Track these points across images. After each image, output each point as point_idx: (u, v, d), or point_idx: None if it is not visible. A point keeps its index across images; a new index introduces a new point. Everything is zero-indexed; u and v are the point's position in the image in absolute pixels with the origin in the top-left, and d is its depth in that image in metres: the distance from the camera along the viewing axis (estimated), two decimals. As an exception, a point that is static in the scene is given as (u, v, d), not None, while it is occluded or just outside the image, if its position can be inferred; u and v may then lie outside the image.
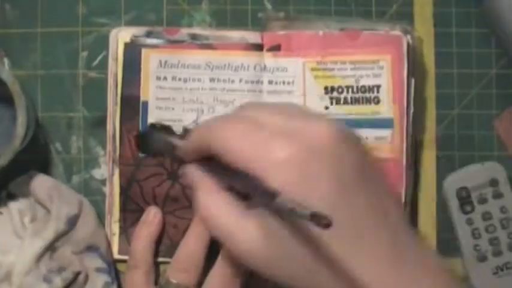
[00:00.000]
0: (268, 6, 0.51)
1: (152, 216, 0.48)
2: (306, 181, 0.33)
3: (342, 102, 0.49)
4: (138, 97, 0.48)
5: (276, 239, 0.34)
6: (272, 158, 0.33)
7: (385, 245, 0.34)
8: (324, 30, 0.49)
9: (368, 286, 0.33)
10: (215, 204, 0.37)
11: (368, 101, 0.49)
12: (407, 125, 0.48)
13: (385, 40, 0.48)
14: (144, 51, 0.48)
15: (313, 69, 0.49)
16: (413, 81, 0.49)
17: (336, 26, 0.49)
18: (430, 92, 0.51)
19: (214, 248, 0.47)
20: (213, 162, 0.38)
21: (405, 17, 0.51)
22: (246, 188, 0.36)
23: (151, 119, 0.48)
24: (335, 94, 0.49)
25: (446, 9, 0.51)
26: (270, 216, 0.34)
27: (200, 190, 0.38)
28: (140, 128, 0.48)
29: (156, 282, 0.48)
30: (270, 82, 0.49)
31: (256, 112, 0.36)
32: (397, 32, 0.48)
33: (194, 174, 0.39)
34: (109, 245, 0.49)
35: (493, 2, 0.49)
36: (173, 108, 0.48)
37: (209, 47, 0.48)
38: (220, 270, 0.45)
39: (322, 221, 0.29)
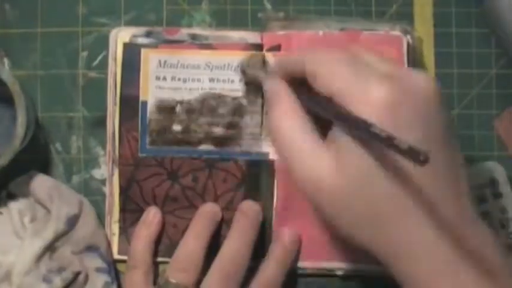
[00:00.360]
0: (268, 6, 0.51)
1: (152, 216, 0.48)
2: (398, 123, 0.33)
3: (342, 102, 0.49)
4: (138, 97, 0.48)
5: (351, 173, 0.34)
6: (369, 92, 0.33)
7: (452, 209, 0.34)
8: (324, 31, 0.49)
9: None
10: (291, 125, 0.37)
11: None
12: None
13: (385, 40, 0.48)
14: (143, 51, 0.48)
15: (313, 69, 0.49)
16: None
17: (336, 26, 0.49)
18: (430, 92, 0.51)
19: (213, 248, 0.47)
20: (300, 86, 0.37)
21: (405, 17, 0.51)
22: (331, 116, 0.35)
23: (151, 119, 0.48)
24: (335, 94, 0.49)
25: (446, 9, 0.51)
26: (349, 150, 0.34)
27: (277, 107, 0.38)
28: (140, 128, 0.48)
29: (155, 282, 0.48)
30: (270, 82, 0.49)
31: (362, 54, 0.37)
32: (397, 32, 0.48)
33: (275, 88, 0.39)
34: (109, 245, 0.49)
35: (493, 2, 0.49)
36: (173, 108, 0.48)
37: (209, 47, 0.48)
38: (218, 268, 0.45)
39: (419, 156, 0.29)
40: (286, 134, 0.37)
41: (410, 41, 0.48)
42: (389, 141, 0.31)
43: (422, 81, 0.34)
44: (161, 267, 0.49)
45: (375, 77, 0.34)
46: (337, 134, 0.35)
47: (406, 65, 0.48)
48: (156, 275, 0.48)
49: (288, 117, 0.37)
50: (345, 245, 0.48)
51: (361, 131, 0.33)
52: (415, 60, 0.49)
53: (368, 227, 0.35)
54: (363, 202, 0.34)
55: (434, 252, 0.34)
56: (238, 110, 0.48)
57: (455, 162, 0.35)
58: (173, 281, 0.45)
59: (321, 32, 0.49)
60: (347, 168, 0.34)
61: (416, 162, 0.29)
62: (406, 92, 0.34)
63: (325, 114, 0.36)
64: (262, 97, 0.48)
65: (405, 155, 0.30)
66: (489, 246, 0.35)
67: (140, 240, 0.48)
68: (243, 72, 0.48)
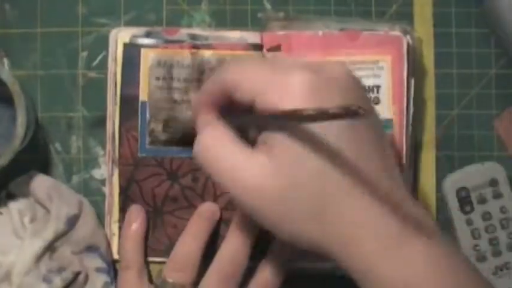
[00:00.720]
0: (268, 6, 0.51)
1: (135, 215, 0.48)
2: (321, 102, 0.34)
3: (342, 102, 0.49)
4: (138, 97, 0.48)
5: (286, 168, 0.34)
6: (290, 81, 0.34)
7: (382, 196, 0.34)
8: (323, 31, 0.49)
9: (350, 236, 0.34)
10: (218, 140, 0.37)
11: (368, 101, 0.49)
12: (407, 126, 0.48)
13: (385, 41, 0.48)
14: (143, 51, 0.48)
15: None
16: (413, 81, 0.49)
17: (336, 26, 0.49)
18: (430, 92, 0.51)
19: (211, 248, 0.47)
20: (224, 110, 0.38)
21: (405, 17, 0.51)
22: (257, 121, 0.36)
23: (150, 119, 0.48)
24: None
25: (446, 9, 0.51)
26: (279, 145, 0.34)
27: (204, 130, 0.38)
28: (139, 128, 0.48)
29: (151, 282, 0.48)
30: (270, 82, 0.49)
31: (272, 56, 0.40)
32: (397, 33, 0.48)
33: (201, 117, 0.39)
34: (109, 245, 0.49)
35: (493, 2, 0.49)
36: (172, 108, 0.48)
37: (209, 47, 0.48)
38: (217, 269, 0.45)
39: (356, 110, 0.31)
40: (214, 151, 0.37)
41: (410, 41, 0.48)
42: (323, 114, 0.32)
43: (339, 68, 0.36)
44: (158, 267, 0.49)
45: (293, 68, 0.35)
46: (264, 136, 0.36)
47: (406, 66, 0.48)
48: (149, 273, 0.49)
49: (214, 136, 0.37)
50: None
51: (292, 120, 0.34)
52: (414, 60, 0.49)
53: (314, 221, 0.35)
54: (303, 195, 0.34)
55: (378, 227, 0.34)
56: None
57: (377, 128, 0.37)
58: (170, 280, 0.45)
59: (320, 33, 0.49)
60: (280, 165, 0.34)
61: (356, 116, 0.31)
62: (325, 77, 0.35)
63: (254, 122, 0.37)
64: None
65: (342, 116, 0.32)
66: (424, 214, 0.36)
67: (128, 240, 0.48)
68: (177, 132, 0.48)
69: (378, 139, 0.36)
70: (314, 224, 0.35)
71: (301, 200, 0.35)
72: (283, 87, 0.34)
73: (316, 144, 0.34)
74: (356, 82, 0.37)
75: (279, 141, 0.35)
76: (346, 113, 0.31)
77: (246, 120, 0.38)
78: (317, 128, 0.34)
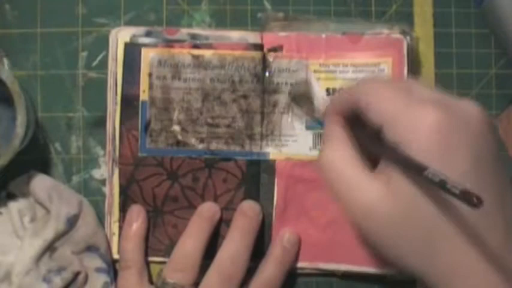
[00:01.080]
0: (268, 6, 0.51)
1: (135, 215, 0.48)
2: (447, 150, 0.33)
3: (341, 102, 0.49)
4: (138, 97, 0.48)
5: (402, 200, 0.34)
6: (420, 118, 0.33)
7: (501, 239, 0.34)
8: (325, 33, 0.49)
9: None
10: (341, 157, 0.37)
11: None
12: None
13: (386, 43, 0.48)
14: (144, 50, 0.48)
15: (315, 71, 0.49)
16: (412, 81, 0.49)
17: (335, 26, 0.49)
18: (430, 92, 0.51)
19: (211, 248, 0.47)
20: (353, 123, 0.38)
21: (405, 17, 0.51)
22: (381, 151, 0.36)
23: (150, 119, 0.48)
24: (335, 95, 0.49)
25: (445, 10, 0.51)
26: (399, 179, 0.34)
27: (328, 144, 0.38)
28: (140, 127, 0.48)
29: (151, 282, 0.48)
30: (271, 83, 0.49)
31: (409, 83, 0.37)
32: (397, 35, 0.48)
33: (329, 127, 0.39)
34: (109, 245, 0.49)
35: (493, 2, 0.49)
36: (173, 108, 0.48)
37: (209, 47, 0.48)
38: (217, 269, 0.45)
39: (473, 200, 0.29)
40: (335, 166, 0.37)
41: (409, 41, 0.48)
42: (441, 185, 0.31)
43: (473, 109, 0.35)
44: (159, 268, 0.49)
45: (425, 103, 0.34)
46: (387, 164, 0.36)
47: (406, 67, 0.48)
48: (150, 273, 0.49)
49: (337, 151, 0.37)
50: (344, 246, 0.48)
51: (414, 173, 0.33)
52: (414, 60, 0.49)
53: (418, 254, 0.34)
54: (412, 228, 0.34)
55: (477, 279, 0.34)
56: (238, 110, 0.48)
57: (502, 191, 0.35)
58: (170, 281, 0.45)
59: (323, 35, 0.49)
60: (397, 195, 0.34)
61: (470, 205, 0.29)
62: (457, 119, 0.34)
63: (377, 152, 0.37)
64: (263, 97, 0.49)
65: (458, 198, 0.30)
66: None
67: (128, 240, 0.48)
68: (296, 102, 0.49)
69: (500, 207, 0.34)
70: (420, 256, 0.35)
71: (411, 234, 0.34)
72: (413, 123, 0.34)
73: (433, 197, 0.33)
74: (488, 127, 0.35)
75: (398, 178, 0.34)
76: (463, 199, 0.30)
77: (371, 145, 0.37)
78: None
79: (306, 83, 0.49)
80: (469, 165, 0.33)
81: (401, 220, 0.34)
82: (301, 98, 0.49)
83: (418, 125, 0.33)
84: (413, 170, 0.33)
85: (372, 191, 0.35)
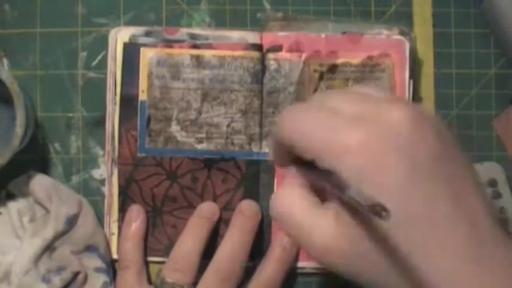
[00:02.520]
0: (267, 6, 0.51)
1: (135, 214, 0.48)
2: (378, 168, 0.31)
3: (341, 102, 0.49)
4: (137, 96, 0.48)
5: (350, 234, 0.33)
6: (345, 144, 0.32)
7: (465, 239, 0.31)
8: (325, 33, 0.49)
9: (440, 284, 0.31)
10: (289, 199, 0.36)
11: (367, 101, 0.49)
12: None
13: (387, 44, 0.48)
14: (143, 50, 0.48)
15: (315, 71, 0.49)
16: (411, 81, 0.49)
17: (334, 26, 0.49)
18: (429, 92, 0.51)
19: (210, 248, 0.47)
20: (293, 159, 0.37)
21: (404, 17, 0.51)
22: (320, 181, 0.35)
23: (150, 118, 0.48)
24: (334, 95, 0.49)
25: (445, 9, 0.51)
26: (342, 215, 0.33)
27: (279, 189, 0.38)
28: (139, 127, 0.48)
29: (150, 282, 0.48)
30: (271, 82, 0.49)
31: (328, 99, 0.35)
32: (399, 36, 0.48)
33: (277, 167, 0.39)
34: (108, 245, 0.49)
35: (492, 2, 0.49)
36: (172, 108, 0.48)
37: (209, 47, 0.48)
38: (215, 269, 0.45)
39: (380, 212, 0.28)
40: (285, 211, 0.36)
41: (408, 42, 0.48)
42: (357, 203, 0.29)
43: (402, 117, 0.32)
44: (158, 267, 0.49)
45: (347, 123, 0.32)
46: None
47: (407, 69, 0.48)
48: (149, 273, 0.49)
49: (285, 195, 0.37)
50: None
51: (341, 197, 0.32)
52: (413, 60, 0.49)
53: (384, 275, 0.33)
54: (367, 260, 0.33)
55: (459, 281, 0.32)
56: (237, 110, 0.48)
57: (460, 185, 0.32)
58: (169, 280, 0.45)
59: (323, 35, 0.49)
60: (344, 227, 0.33)
61: (379, 218, 0.28)
62: (379, 132, 0.32)
63: (316, 183, 0.36)
64: (262, 97, 0.49)
65: (370, 212, 0.28)
66: None
67: (128, 240, 0.48)
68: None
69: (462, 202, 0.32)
70: (387, 276, 0.33)
71: (369, 265, 0.33)
72: (338, 151, 0.32)
73: (374, 227, 0.32)
74: (424, 127, 0.32)
75: (341, 210, 0.33)
76: (372, 212, 0.28)
77: (315, 177, 0.36)
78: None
79: (306, 82, 0.49)
80: (403, 177, 0.31)
81: (355, 259, 0.33)
82: (301, 97, 0.49)
83: (345, 148, 0.32)
84: (339, 190, 0.31)
85: (323, 231, 0.34)
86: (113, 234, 0.49)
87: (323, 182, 0.34)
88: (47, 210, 0.46)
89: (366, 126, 0.32)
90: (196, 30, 0.49)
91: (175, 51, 0.48)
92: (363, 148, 0.31)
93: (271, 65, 0.49)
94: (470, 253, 0.31)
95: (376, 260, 0.33)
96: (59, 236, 0.45)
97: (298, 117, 0.34)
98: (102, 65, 0.49)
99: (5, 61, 0.50)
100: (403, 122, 0.32)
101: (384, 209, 0.28)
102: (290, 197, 0.36)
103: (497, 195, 0.50)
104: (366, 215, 0.31)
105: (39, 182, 0.47)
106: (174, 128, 0.48)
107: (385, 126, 0.32)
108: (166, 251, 0.48)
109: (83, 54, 0.50)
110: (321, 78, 0.49)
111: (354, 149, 0.31)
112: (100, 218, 0.49)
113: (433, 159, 0.32)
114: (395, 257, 0.32)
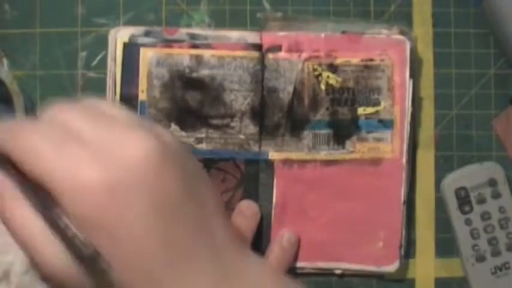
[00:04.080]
0: (267, 6, 0.51)
1: None
2: (116, 207, 0.29)
3: (342, 103, 0.49)
4: (137, 96, 0.48)
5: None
6: (80, 176, 0.29)
7: (209, 268, 0.31)
8: (325, 32, 0.49)
9: None
10: (21, 214, 0.31)
11: (368, 102, 0.49)
12: (406, 126, 0.49)
13: (388, 44, 0.48)
14: (142, 50, 0.48)
15: (314, 70, 0.49)
16: (411, 81, 0.49)
17: (334, 26, 0.50)
18: (429, 92, 0.51)
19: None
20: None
21: (404, 17, 0.51)
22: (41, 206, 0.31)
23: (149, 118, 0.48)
24: (336, 95, 0.49)
25: (445, 9, 0.51)
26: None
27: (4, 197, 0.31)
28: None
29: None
30: (270, 82, 0.49)
31: (67, 116, 0.31)
32: (400, 36, 0.48)
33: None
34: (107, 245, 0.48)
35: (492, 2, 0.49)
36: (171, 108, 0.48)
37: (208, 46, 0.48)
38: None
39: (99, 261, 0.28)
40: (19, 229, 0.31)
41: (411, 43, 0.48)
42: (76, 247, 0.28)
43: (134, 149, 0.30)
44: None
45: (84, 154, 0.30)
46: None
47: (408, 69, 0.48)
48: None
49: (15, 206, 0.31)
50: (343, 245, 0.48)
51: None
52: (413, 60, 0.49)
53: None
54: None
55: None
56: (236, 110, 0.48)
57: (205, 215, 0.32)
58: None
59: (322, 34, 0.49)
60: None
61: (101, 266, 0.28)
62: (119, 169, 0.29)
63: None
64: (262, 97, 0.49)
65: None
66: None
67: None
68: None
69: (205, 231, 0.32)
70: None
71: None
72: (72, 184, 0.29)
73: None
74: (167, 167, 0.31)
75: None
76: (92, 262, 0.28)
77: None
78: None
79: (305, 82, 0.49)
80: (145, 208, 0.30)
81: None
82: (300, 97, 0.49)
83: (80, 185, 0.29)
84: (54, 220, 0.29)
85: (52, 254, 0.31)
86: (113, 234, 0.49)
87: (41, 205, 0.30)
88: (47, 210, 0.46)
89: (104, 159, 0.29)
90: (196, 30, 0.49)
91: (175, 51, 0.48)
92: (100, 185, 0.29)
93: (271, 64, 0.49)
94: (215, 280, 0.31)
95: None
96: (58, 235, 0.45)
97: (30, 130, 0.31)
98: (102, 65, 0.49)
99: (5, 61, 0.50)
100: (145, 158, 0.30)
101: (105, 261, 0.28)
102: (20, 210, 0.31)
103: (497, 195, 0.50)
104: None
105: (39, 182, 0.47)
106: (174, 127, 0.48)
107: (126, 162, 0.30)
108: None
109: (82, 54, 0.50)
110: (320, 78, 0.49)
111: (89, 186, 0.29)
112: (100, 218, 0.49)
113: (178, 194, 0.31)
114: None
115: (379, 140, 0.49)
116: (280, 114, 0.49)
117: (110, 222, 0.29)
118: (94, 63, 0.50)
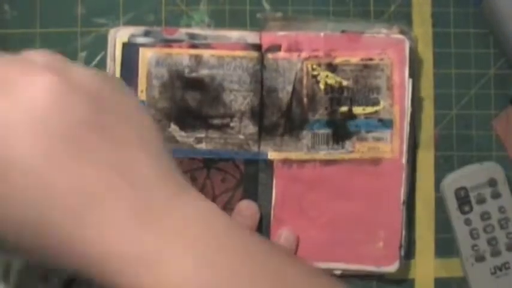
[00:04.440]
0: (267, 6, 0.51)
1: None
2: (7, 143, 0.28)
3: (341, 103, 0.49)
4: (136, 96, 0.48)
5: None
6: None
7: (128, 205, 0.29)
8: (324, 32, 0.49)
9: (105, 255, 0.28)
10: None
11: (368, 102, 0.49)
12: (406, 126, 0.48)
13: (387, 43, 0.48)
14: (142, 50, 0.48)
15: (313, 70, 0.49)
16: (411, 81, 0.49)
17: (334, 26, 0.50)
18: (429, 92, 0.51)
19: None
20: None
21: (403, 17, 0.51)
22: None
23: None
24: (335, 95, 0.49)
25: (444, 9, 0.51)
26: None
27: None
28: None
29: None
30: (270, 82, 0.49)
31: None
32: (399, 36, 0.48)
33: None
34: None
35: (492, 2, 0.49)
36: (171, 108, 0.48)
37: (208, 46, 0.48)
38: None
39: None
40: None
41: (408, 41, 0.48)
42: None
43: (36, 85, 0.29)
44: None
45: None
46: None
47: (407, 68, 0.48)
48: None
49: None
50: (342, 245, 0.48)
51: None
52: (413, 60, 0.49)
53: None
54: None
55: None
56: (236, 110, 0.48)
57: (122, 147, 0.30)
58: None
59: (322, 34, 0.49)
60: None
61: None
62: (17, 105, 0.28)
63: None
64: (261, 97, 0.49)
65: None
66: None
67: None
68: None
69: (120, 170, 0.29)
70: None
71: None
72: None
73: None
74: (71, 101, 0.29)
75: None
76: None
77: None
78: None
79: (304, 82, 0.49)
80: (36, 153, 0.28)
81: None
82: (299, 97, 0.49)
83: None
84: None
85: None
86: (112, 233, 0.49)
87: None
88: (46, 210, 0.46)
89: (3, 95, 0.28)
90: (195, 30, 0.49)
91: (174, 51, 0.48)
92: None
93: (270, 64, 0.49)
94: (136, 220, 0.29)
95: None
96: (58, 235, 0.45)
97: None
98: (102, 65, 0.49)
99: (5, 61, 0.50)
100: (46, 93, 0.28)
101: None
102: None
103: (497, 195, 0.50)
104: None
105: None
106: (173, 127, 0.48)
107: (24, 97, 0.28)
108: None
109: (82, 55, 0.50)
110: (319, 77, 0.49)
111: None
112: (99, 218, 0.49)
113: (87, 129, 0.29)
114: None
115: (378, 139, 0.49)
116: (280, 114, 0.49)
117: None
118: (94, 63, 0.50)
